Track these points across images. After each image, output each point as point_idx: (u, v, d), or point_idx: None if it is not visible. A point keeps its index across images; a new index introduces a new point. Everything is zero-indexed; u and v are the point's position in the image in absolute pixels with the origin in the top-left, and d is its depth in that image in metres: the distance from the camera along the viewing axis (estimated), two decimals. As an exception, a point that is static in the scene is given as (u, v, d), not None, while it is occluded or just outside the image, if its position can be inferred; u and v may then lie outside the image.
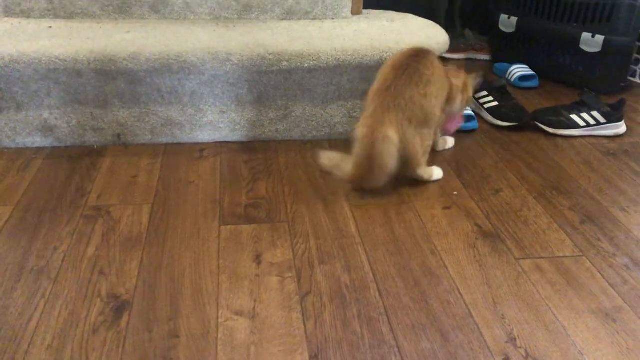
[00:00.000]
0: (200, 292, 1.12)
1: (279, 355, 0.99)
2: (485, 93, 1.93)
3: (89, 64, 1.49)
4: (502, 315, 1.10)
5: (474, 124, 1.84)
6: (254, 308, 1.09)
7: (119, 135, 1.64)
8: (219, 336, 1.03)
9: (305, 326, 1.05)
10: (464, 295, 1.15)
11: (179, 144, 1.68)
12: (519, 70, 2.24)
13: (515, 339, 1.04)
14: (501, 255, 1.27)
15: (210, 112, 1.65)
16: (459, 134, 1.81)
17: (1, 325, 1.03)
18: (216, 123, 1.67)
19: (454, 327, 1.07)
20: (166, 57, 1.51)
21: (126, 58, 1.49)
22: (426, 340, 1.03)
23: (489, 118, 1.90)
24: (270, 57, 1.55)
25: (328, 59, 1.58)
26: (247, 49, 1.55)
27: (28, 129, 1.60)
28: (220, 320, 1.06)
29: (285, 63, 1.56)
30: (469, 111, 1.85)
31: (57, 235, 1.27)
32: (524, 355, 1.01)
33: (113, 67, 1.50)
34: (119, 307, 1.08)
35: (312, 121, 1.71)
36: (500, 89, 1.91)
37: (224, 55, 1.54)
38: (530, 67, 2.26)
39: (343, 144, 1.72)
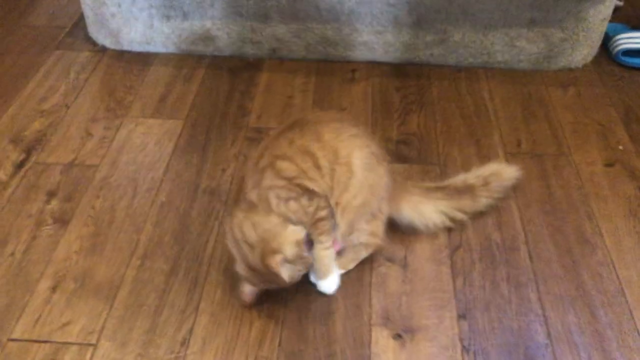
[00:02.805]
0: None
1: (429, 309, 1.06)
2: (669, 23, 1.71)
3: (254, -21, 1.49)
4: (658, 297, 1.08)
5: (649, 61, 1.66)
6: (405, 257, 1.15)
7: (274, 50, 1.67)
8: (372, 281, 1.11)
9: (454, 283, 1.10)
10: (618, 270, 1.13)
11: (331, 62, 1.68)
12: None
13: (669, 327, 1.03)
14: (664, 228, 1.21)
15: (365, 32, 1.62)
16: (631, 70, 1.65)
17: (185, 244, 1.17)
18: (370, 44, 1.64)
19: (603, 304, 1.07)
20: (329, -25, 1.47)
21: (290, -25, 1.48)
22: (573, 314, 1.05)
23: (670, 54, 1.69)
24: (437, -21, 1.46)
25: (499, -16, 1.46)
26: (413, -31, 1.47)
27: (192, 37, 1.66)
28: (374, 265, 1.13)
29: (451, -13, 1.47)
30: (643, 45, 1.66)
31: (224, 156, 1.37)
32: (676, 346, 1.00)
33: (276, -16, 1.50)
34: (282, 239, 1.18)
35: (470, 47, 1.63)
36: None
37: (388, -24, 1.47)
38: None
39: (500, 72, 1.64)
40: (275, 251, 0.92)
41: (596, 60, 1.69)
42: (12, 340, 1.00)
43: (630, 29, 1.75)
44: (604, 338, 1.02)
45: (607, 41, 1.72)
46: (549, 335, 1.02)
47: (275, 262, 0.91)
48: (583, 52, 1.65)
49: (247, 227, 0.96)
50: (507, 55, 1.64)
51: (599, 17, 1.58)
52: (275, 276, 0.92)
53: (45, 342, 1.00)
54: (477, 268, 1.13)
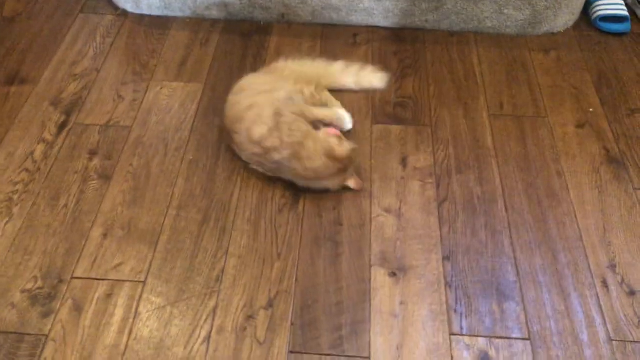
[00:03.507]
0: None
1: (418, 252, 1.28)
2: (646, -10, 1.85)
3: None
4: (609, 242, 1.30)
5: (626, 26, 1.82)
6: (399, 208, 1.36)
7: (283, 15, 1.82)
8: (372, 229, 1.32)
9: (440, 230, 1.32)
10: (579, 220, 1.34)
11: (335, 26, 1.83)
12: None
13: (615, 266, 1.26)
14: (621, 183, 1.42)
15: (366, 0, 1.76)
16: (608, 35, 1.81)
17: (213, 197, 1.37)
18: (371, 10, 1.78)
19: (564, 248, 1.29)
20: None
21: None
22: (539, 257, 1.27)
23: (644, 20, 1.85)
24: (433, -46, 1.60)
25: (490, -42, 1.60)
26: (411, -56, 1.60)
27: (207, 2, 1.80)
28: (373, 215, 1.34)
29: (446, -39, 1.60)
30: (622, 11, 1.82)
31: (242, 118, 1.55)
32: (620, 282, 1.23)
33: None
34: (296, 193, 1.38)
35: (462, 14, 1.78)
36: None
37: (389, -50, 1.60)
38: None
39: (488, 37, 1.80)
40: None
41: (577, 25, 1.85)
42: (76, 278, 1.22)
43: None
44: (563, 276, 1.24)
45: (587, 7, 1.87)
46: (517, 274, 1.24)
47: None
48: (565, 18, 1.80)
49: None
50: (496, 22, 1.79)
51: (581, -13, 1.73)
52: None
53: (103, 279, 1.22)
54: (460, 218, 1.34)
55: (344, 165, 1.30)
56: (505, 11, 1.76)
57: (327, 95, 1.52)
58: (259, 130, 1.31)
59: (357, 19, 1.81)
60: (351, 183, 1.34)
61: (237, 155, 1.43)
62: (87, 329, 1.14)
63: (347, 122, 1.47)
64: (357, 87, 1.61)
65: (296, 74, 1.51)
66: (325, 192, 1.36)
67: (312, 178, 1.31)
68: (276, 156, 1.30)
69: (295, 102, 1.39)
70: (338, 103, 1.52)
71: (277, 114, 1.32)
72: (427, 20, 1.80)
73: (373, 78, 1.63)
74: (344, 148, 1.29)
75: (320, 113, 1.42)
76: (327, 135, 1.34)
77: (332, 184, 1.33)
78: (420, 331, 1.15)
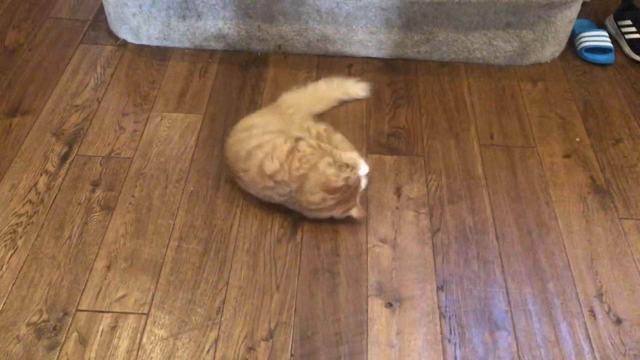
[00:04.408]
0: (350, 218, 1.43)
1: (414, 282, 1.32)
2: (629, 22, 1.93)
3: (262, -13, 1.68)
4: (596, 271, 1.35)
5: (609, 57, 1.89)
6: (395, 238, 1.40)
7: (279, 46, 1.87)
8: (368, 259, 1.36)
9: (434, 260, 1.36)
10: (567, 249, 1.39)
11: (330, 57, 1.88)
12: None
13: (602, 295, 1.31)
14: (607, 212, 1.47)
15: (361, 32, 1.81)
16: (593, 66, 1.88)
17: (213, 228, 1.41)
18: (365, 42, 1.84)
19: (553, 277, 1.34)
20: (329, -15, 1.66)
21: (294, -16, 1.66)
22: (529, 286, 1.32)
23: (628, 51, 1.92)
24: (425, -11, 1.66)
25: (479, -6, 1.66)
26: (404, -20, 1.66)
27: (205, 34, 1.85)
28: (369, 245, 1.39)
29: (437, -4, 1.67)
30: (606, 43, 1.89)
31: (240, 149, 1.59)
32: (607, 311, 1.28)
33: (282, -9, 1.68)
34: (294, 223, 1.42)
35: (453, 46, 1.84)
36: (646, 20, 1.89)
37: (382, -14, 1.66)
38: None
39: (478, 67, 1.86)
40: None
41: (563, 55, 1.92)
42: (80, 310, 1.25)
43: (594, 27, 1.97)
44: (552, 305, 1.29)
45: (573, 37, 1.94)
46: (509, 303, 1.29)
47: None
48: (551, 49, 1.87)
49: None
50: (485, 52, 1.85)
51: (566, 20, 1.80)
52: None
53: (107, 312, 1.25)
54: (453, 247, 1.39)
55: (343, 195, 1.34)
56: (495, 43, 1.82)
57: (337, 138, 1.50)
58: (272, 166, 1.34)
59: (352, 50, 1.87)
60: (354, 212, 1.37)
61: (236, 186, 1.47)
62: (92, 361, 1.18)
63: (364, 169, 1.43)
64: (347, 98, 1.72)
65: (295, 107, 1.55)
66: (323, 222, 1.41)
67: (315, 210, 1.36)
68: (286, 189, 1.35)
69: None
70: (350, 145, 1.50)
71: (294, 149, 1.36)
72: (419, 51, 1.86)
73: (357, 88, 1.74)
74: (339, 178, 1.33)
75: (344, 156, 1.42)
76: (326, 166, 1.38)
77: (336, 213, 1.37)
78: (416, 361, 1.20)
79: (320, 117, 1.65)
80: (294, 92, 1.63)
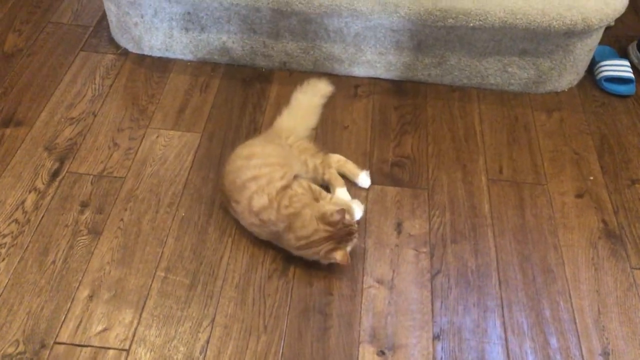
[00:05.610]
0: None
1: (409, 329, 1.25)
2: (653, 52, 1.84)
3: (268, 3, 1.60)
4: (603, 326, 1.27)
5: (630, 88, 1.79)
6: (392, 279, 1.34)
7: (284, 63, 1.80)
8: (363, 301, 1.30)
9: (432, 305, 1.29)
10: (573, 300, 1.32)
11: (336, 76, 1.81)
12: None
13: (608, 354, 1.23)
14: (618, 260, 1.39)
15: (369, 52, 1.74)
16: (612, 97, 1.79)
17: (202, 259, 1.35)
18: (373, 62, 1.76)
19: (557, 331, 1.27)
20: (337, 4, 1.58)
21: (301, 2, 1.59)
22: (530, 340, 1.25)
23: (650, 82, 1.83)
24: (438, 13, 1.58)
25: (494, 20, 1.58)
26: (416, 2, 1.58)
27: (208, 47, 1.78)
28: (364, 285, 1.32)
29: (450, 20, 1.58)
30: (627, 73, 1.80)
31: (237, 173, 1.53)
32: (612, 371, 1.21)
33: (288, 8, 1.61)
34: (287, 257, 1.36)
35: (465, 70, 1.76)
36: (671, 51, 1.79)
37: (392, 7, 1.58)
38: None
39: (491, 94, 1.78)
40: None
41: (581, 84, 1.83)
42: (58, 343, 1.20)
43: (615, 55, 1.88)
44: (553, 361, 1.22)
45: (592, 65, 1.85)
46: (508, 357, 1.22)
47: None
48: (569, 77, 1.78)
49: None
50: (499, 79, 1.77)
51: (586, 49, 1.71)
52: None
53: (86, 346, 1.20)
54: (453, 292, 1.32)
55: (336, 232, 1.27)
56: (509, 69, 1.74)
57: (332, 173, 1.47)
58: (260, 202, 1.29)
59: (359, 70, 1.79)
60: (338, 255, 1.27)
61: (229, 214, 1.41)
62: (66, 400, 1.13)
63: (358, 213, 1.41)
64: (324, 100, 1.67)
65: (291, 131, 1.49)
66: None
67: (303, 247, 1.29)
68: (273, 228, 1.29)
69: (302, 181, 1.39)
70: (342, 182, 1.47)
71: (285, 187, 1.31)
72: (429, 74, 1.78)
73: (323, 84, 1.68)
74: (337, 214, 1.26)
75: (338, 202, 1.38)
76: (327, 203, 1.33)
77: (323, 249, 1.30)
78: (406, 417, 1.13)
79: (324, 144, 1.58)
80: (285, 114, 1.56)
